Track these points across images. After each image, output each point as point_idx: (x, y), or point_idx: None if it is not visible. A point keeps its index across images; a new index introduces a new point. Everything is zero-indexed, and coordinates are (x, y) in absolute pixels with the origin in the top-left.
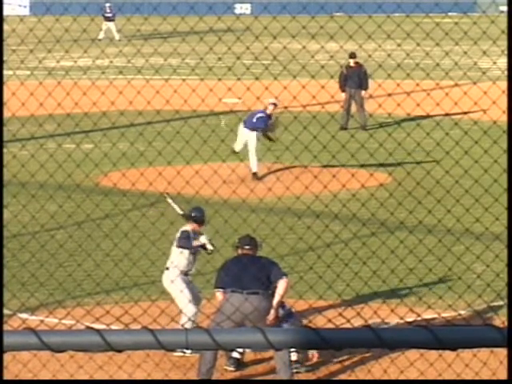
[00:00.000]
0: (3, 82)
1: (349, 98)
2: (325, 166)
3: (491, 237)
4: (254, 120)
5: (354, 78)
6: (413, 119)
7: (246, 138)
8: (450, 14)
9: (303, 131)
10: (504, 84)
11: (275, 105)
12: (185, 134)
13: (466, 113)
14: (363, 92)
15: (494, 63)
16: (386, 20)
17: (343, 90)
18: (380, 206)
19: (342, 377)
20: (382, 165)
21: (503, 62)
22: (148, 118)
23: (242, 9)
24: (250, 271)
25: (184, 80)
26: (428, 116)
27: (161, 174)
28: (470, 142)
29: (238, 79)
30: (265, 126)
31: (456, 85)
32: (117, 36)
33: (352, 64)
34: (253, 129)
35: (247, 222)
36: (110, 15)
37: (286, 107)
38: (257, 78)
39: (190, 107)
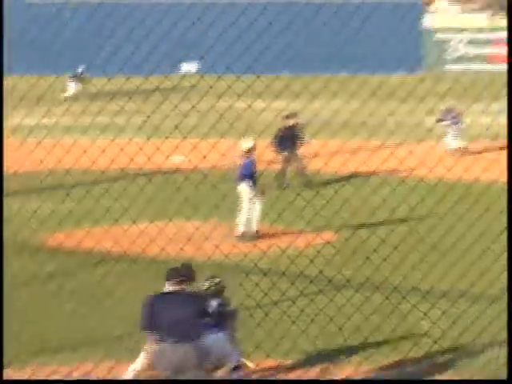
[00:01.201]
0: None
1: (286, 159)
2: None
3: (438, 294)
4: (240, 171)
5: (291, 139)
6: (358, 177)
7: (241, 193)
8: (395, 73)
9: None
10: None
11: (251, 149)
12: (131, 192)
13: (412, 170)
14: (300, 151)
15: (441, 120)
16: (331, 79)
17: (280, 151)
18: (327, 263)
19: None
20: (328, 223)
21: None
22: (93, 177)
23: (189, 67)
24: (179, 312)
25: (130, 139)
26: (374, 173)
27: (107, 232)
28: (417, 199)
29: (185, 138)
30: (251, 171)
31: (401, 143)
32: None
33: (288, 125)
34: (241, 179)
35: None
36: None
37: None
38: (203, 137)
39: (137, 166)
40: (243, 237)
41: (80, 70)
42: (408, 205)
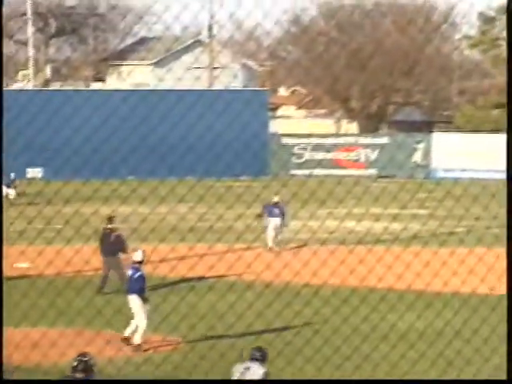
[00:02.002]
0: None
1: (107, 263)
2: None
3: None
4: (131, 283)
5: (111, 243)
6: (205, 281)
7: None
8: (241, 177)
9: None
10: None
11: (141, 261)
12: None
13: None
14: (123, 255)
15: (262, 215)
16: (178, 183)
17: (102, 255)
18: (174, 369)
19: None
20: (175, 328)
21: (295, 223)
22: None
23: (34, 172)
24: None
25: None
26: (221, 277)
27: None
28: (262, 305)
29: (30, 244)
30: (141, 284)
31: (248, 248)
32: None
33: (108, 228)
34: (131, 292)
35: None
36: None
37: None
38: (48, 243)
39: None
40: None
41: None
42: (256, 311)
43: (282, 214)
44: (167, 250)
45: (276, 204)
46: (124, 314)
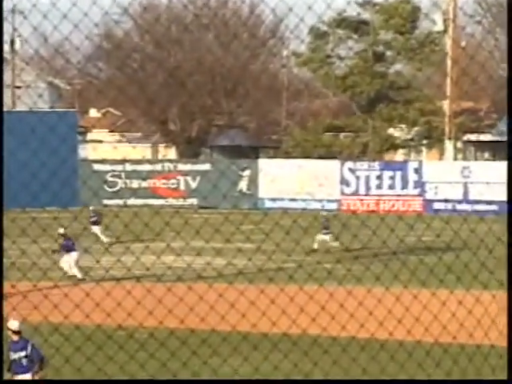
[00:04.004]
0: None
1: None
2: None
3: None
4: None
5: None
6: None
7: None
8: (48, 208)
9: None
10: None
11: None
12: None
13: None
14: None
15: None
16: None
17: None
18: None
19: None
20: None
21: (107, 258)
22: None
23: None
24: None
25: None
26: None
27: None
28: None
29: None
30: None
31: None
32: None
33: None
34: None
35: None
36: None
37: None
38: None
39: None
40: None
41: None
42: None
43: (72, 247)
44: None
45: (63, 236)
46: None
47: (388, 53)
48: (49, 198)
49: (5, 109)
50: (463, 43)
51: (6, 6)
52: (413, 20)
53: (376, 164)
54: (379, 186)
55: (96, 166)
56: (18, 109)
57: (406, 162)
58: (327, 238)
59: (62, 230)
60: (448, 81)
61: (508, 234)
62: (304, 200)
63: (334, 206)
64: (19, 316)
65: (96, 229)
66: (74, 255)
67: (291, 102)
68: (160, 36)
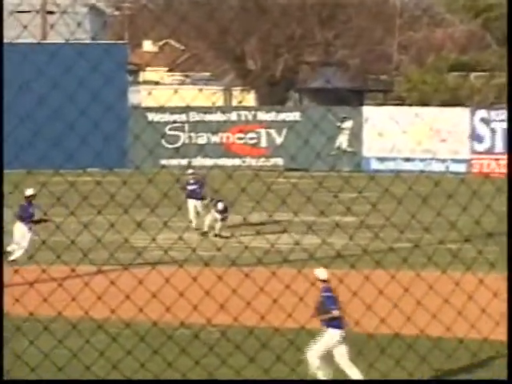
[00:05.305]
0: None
1: None
2: None
3: None
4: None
5: None
6: None
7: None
8: (90, 169)
9: None
10: None
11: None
12: None
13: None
14: None
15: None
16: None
17: None
18: None
19: None
20: None
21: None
22: None
23: None
24: None
25: None
26: None
27: None
28: None
29: None
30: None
31: None
32: None
33: None
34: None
35: None
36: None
37: None
38: None
39: None
40: None
41: None
42: None
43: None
44: None
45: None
46: None
47: None
48: (90, 156)
49: (34, 40)
50: None
51: None
52: None
53: None
54: None
55: (151, 116)
56: (50, 40)
57: None
58: None
59: (31, 191)
60: None
61: None
62: (422, 160)
63: (461, 167)
64: None
65: (194, 204)
66: (25, 227)
67: (405, 32)
68: None
